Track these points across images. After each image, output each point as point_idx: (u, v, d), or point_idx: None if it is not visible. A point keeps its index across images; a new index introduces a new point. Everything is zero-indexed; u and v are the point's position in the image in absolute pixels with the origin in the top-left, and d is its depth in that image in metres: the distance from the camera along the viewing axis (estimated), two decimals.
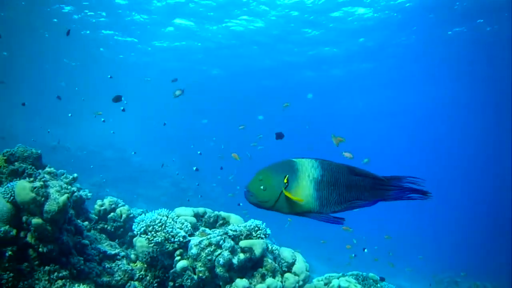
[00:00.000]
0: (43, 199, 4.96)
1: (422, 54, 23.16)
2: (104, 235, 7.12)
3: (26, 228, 5.01)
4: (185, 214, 6.05)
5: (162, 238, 5.30)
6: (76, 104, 25.74)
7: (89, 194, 6.89)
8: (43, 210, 4.95)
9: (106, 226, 7.34)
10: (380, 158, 32.25)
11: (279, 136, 8.91)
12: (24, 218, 4.97)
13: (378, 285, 6.48)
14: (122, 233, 7.47)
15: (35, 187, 4.93)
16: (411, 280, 18.91)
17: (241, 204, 10.90)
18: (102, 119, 13.89)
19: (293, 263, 5.59)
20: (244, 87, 33.75)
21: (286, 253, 5.71)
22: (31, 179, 5.16)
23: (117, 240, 7.25)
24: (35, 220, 4.91)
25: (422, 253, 20.49)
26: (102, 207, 7.42)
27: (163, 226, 5.36)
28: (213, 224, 6.22)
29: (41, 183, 5.02)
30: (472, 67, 24.45)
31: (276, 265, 5.45)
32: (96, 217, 7.31)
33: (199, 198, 22.71)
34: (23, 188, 4.89)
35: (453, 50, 21.91)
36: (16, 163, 6.21)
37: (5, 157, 6.15)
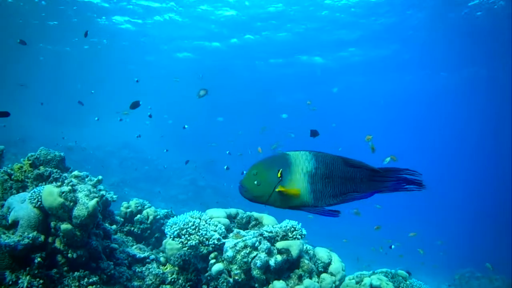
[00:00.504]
0: (71, 204, 4.84)
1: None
2: (130, 238, 7.02)
3: (55, 233, 4.90)
4: (217, 215, 5.88)
5: (197, 241, 5.15)
6: (91, 104, 25.71)
7: (114, 196, 6.75)
8: (72, 215, 4.83)
9: (132, 228, 7.22)
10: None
11: (314, 133, 8.71)
12: (52, 224, 4.86)
13: (408, 281, 6.31)
14: (149, 235, 7.35)
15: (63, 192, 4.80)
16: (432, 275, 18.68)
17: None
18: (119, 119, 13.78)
19: (329, 263, 5.47)
20: (265, 84, 33.47)
21: (322, 253, 5.58)
22: (58, 183, 5.04)
23: (143, 242, 7.12)
24: (64, 226, 4.79)
25: (437, 249, 20.27)
26: (128, 209, 7.31)
27: (197, 229, 5.21)
28: (245, 225, 6.06)
29: (69, 187, 4.88)
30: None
31: (313, 265, 5.30)
32: (122, 220, 7.20)
33: (222, 197, 22.59)
34: (50, 193, 4.76)
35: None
36: (41, 167, 6.09)
37: (30, 161, 6.02)
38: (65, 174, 6.13)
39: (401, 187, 2.39)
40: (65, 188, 4.84)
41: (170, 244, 5.83)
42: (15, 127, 32.63)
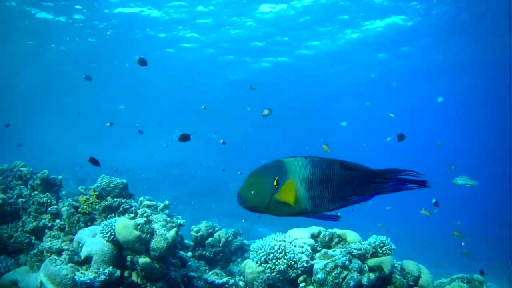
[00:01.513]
0: (148, 236, 4.61)
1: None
2: (202, 262, 6.79)
3: (130, 267, 4.68)
4: (301, 236, 5.53)
5: (285, 265, 4.81)
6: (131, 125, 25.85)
7: (183, 221, 6.46)
8: (149, 248, 4.60)
9: (204, 252, 7.01)
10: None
11: (401, 137, 8.31)
12: (129, 258, 4.63)
13: (484, 286, 5.93)
14: (221, 258, 7.07)
15: (138, 224, 4.56)
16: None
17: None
18: (167, 143, 13.70)
19: (419, 276, 5.14)
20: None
21: (412, 266, 5.24)
22: (132, 215, 4.78)
23: (219, 267, 6.86)
24: (143, 260, 4.54)
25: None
26: (199, 233, 7.09)
27: (283, 253, 4.86)
28: (328, 242, 5.69)
29: (145, 219, 4.65)
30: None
31: (404, 280, 4.95)
32: (193, 244, 6.97)
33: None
34: (125, 226, 4.51)
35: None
36: (108, 198, 5.86)
37: (96, 193, 5.78)
38: (135, 203, 5.91)
39: (402, 187, 2.34)
40: (140, 220, 4.60)
41: (250, 268, 5.53)
42: (66, 151, 33.33)
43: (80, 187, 7.40)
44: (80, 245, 4.75)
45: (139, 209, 5.39)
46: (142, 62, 7.41)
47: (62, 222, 5.74)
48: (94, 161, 6.67)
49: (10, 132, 21.70)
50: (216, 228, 7.25)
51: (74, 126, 45.84)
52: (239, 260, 7.51)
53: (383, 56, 24.00)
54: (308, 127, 39.84)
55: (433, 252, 15.62)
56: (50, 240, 5.47)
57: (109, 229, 4.65)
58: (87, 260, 4.59)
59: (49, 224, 6.35)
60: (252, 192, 2.36)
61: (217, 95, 32.50)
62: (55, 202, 6.93)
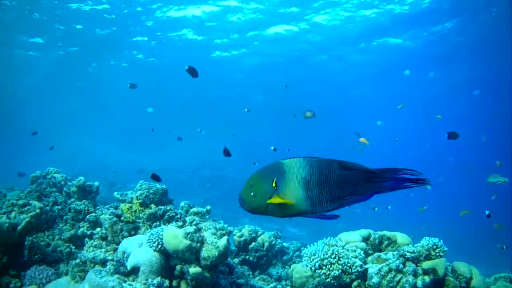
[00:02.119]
0: (198, 244, 4.42)
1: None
2: (246, 267, 6.58)
3: (179, 276, 4.48)
4: (353, 239, 5.31)
5: (339, 270, 4.58)
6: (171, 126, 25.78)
7: (225, 225, 6.27)
8: (200, 257, 4.40)
9: (247, 257, 6.81)
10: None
11: (453, 136, 7.93)
12: (178, 267, 4.44)
13: None
14: (264, 262, 6.86)
15: (188, 233, 4.37)
16: None
17: None
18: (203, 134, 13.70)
19: (471, 278, 4.95)
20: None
21: (463, 267, 5.05)
22: (179, 223, 4.56)
23: (266, 272, 6.66)
24: (193, 269, 4.34)
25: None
26: (242, 238, 6.89)
27: (337, 258, 4.64)
28: (378, 245, 5.46)
29: (194, 227, 4.47)
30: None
31: (457, 282, 4.80)
32: (236, 249, 6.78)
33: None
34: (174, 235, 4.31)
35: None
36: (152, 205, 5.65)
37: (139, 201, 5.58)
38: (180, 210, 5.68)
39: (400, 185, 2.34)
40: (190, 229, 4.42)
41: (298, 273, 5.34)
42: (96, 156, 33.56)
43: (115, 193, 7.24)
44: (126, 255, 4.59)
45: (185, 216, 5.19)
46: (192, 72, 6.80)
47: (104, 231, 5.57)
48: (155, 177, 6.47)
49: (42, 137, 21.84)
50: (259, 232, 7.07)
51: (103, 130, 46.46)
52: (279, 263, 7.35)
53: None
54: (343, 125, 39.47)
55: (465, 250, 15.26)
56: (92, 250, 5.32)
57: (156, 238, 4.48)
58: (134, 271, 4.43)
59: (88, 233, 6.20)
60: (252, 194, 2.39)
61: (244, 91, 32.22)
62: (93, 209, 6.78)
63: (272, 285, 5.76)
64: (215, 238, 4.48)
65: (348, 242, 5.23)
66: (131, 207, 5.51)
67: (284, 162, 2.39)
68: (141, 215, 5.44)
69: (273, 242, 7.00)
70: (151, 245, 4.44)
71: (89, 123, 43.94)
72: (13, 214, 5.67)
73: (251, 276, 6.26)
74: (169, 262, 4.51)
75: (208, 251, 4.36)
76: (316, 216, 2.38)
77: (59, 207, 7.08)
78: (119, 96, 33.19)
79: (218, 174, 27.98)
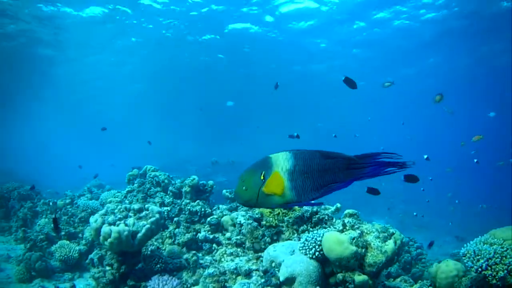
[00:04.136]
0: (363, 250, 4.05)
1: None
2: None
3: (339, 284, 4.14)
4: (507, 236, 4.97)
5: (505, 271, 4.24)
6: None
7: (388, 226, 5.98)
8: (364, 263, 4.08)
9: None
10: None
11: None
12: (339, 276, 4.10)
13: None
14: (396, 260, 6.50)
15: (353, 238, 4.02)
16: None
17: None
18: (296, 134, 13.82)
19: None
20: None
21: None
22: (338, 227, 4.23)
23: (408, 274, 6.32)
24: (359, 278, 4.02)
25: None
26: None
27: (500, 257, 4.29)
28: None
29: (358, 231, 4.13)
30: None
31: None
32: None
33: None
34: (338, 241, 3.98)
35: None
36: (295, 207, 5.31)
37: None
38: (326, 212, 5.31)
39: (380, 171, 2.45)
40: (354, 233, 4.10)
41: (444, 273, 4.97)
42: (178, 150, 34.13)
43: (224, 190, 6.97)
44: (274, 264, 4.29)
45: (340, 219, 4.84)
46: (350, 83, 6.56)
47: (238, 237, 5.29)
48: (373, 191, 6.24)
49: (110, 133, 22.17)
50: (390, 230, 6.71)
51: (178, 124, 47.54)
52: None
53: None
54: None
55: None
56: (231, 259, 5.03)
57: (313, 244, 4.17)
58: (288, 282, 4.10)
59: (211, 237, 5.93)
60: (244, 188, 2.53)
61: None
62: (210, 210, 6.53)
63: (418, 285, 5.44)
64: (379, 241, 4.15)
65: (506, 240, 4.92)
66: (273, 210, 5.22)
67: (271, 156, 2.55)
68: (285, 218, 5.12)
69: (405, 240, 6.63)
70: (307, 252, 4.13)
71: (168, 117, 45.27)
72: (130, 220, 5.52)
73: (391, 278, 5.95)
74: (324, 270, 4.20)
75: (374, 257, 4.03)
76: (302, 204, 2.56)
77: (168, 208, 6.88)
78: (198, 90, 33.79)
79: None
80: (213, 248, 5.84)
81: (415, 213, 15.54)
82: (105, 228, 5.35)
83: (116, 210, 6.00)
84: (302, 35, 21.78)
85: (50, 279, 7.33)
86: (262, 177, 2.50)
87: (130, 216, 5.76)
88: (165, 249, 6.39)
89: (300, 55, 25.34)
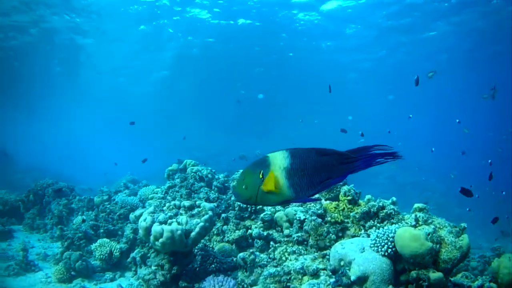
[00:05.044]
0: (438, 246, 4.02)
1: None
2: None
3: (410, 282, 4.08)
4: None
5: None
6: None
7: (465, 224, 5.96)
8: (439, 260, 4.03)
9: None
10: None
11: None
12: (413, 274, 4.02)
13: None
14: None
15: (428, 234, 3.97)
16: None
17: None
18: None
19: None
20: None
21: None
22: (411, 222, 4.20)
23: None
24: (435, 275, 3.94)
25: None
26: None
27: None
28: None
29: (433, 227, 4.09)
30: None
31: None
32: None
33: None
34: (413, 237, 3.92)
35: None
36: (361, 202, 5.27)
37: (348, 197, 5.21)
38: (392, 207, 5.24)
39: (373, 162, 2.55)
40: (429, 229, 4.05)
41: (507, 268, 4.90)
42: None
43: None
44: (343, 263, 4.23)
45: (409, 214, 4.80)
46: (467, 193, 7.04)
47: (300, 234, 5.24)
48: (466, 193, 6.34)
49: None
50: (462, 225, 6.71)
51: (209, 117, 48.00)
52: None
53: None
54: None
55: None
56: (295, 258, 4.99)
57: (385, 241, 4.13)
58: (359, 281, 4.06)
59: (265, 234, 5.90)
60: (243, 186, 2.63)
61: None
62: (260, 206, 6.52)
63: (479, 282, 5.38)
64: (452, 237, 4.10)
65: None
66: (337, 205, 5.17)
67: (269, 155, 2.65)
68: (351, 214, 5.07)
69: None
70: (379, 249, 4.09)
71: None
72: (183, 218, 5.47)
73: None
74: (395, 268, 4.17)
75: (449, 253, 3.99)
76: (300, 200, 2.68)
77: (214, 204, 6.88)
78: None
79: None
80: (271, 245, 5.77)
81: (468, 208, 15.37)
82: (157, 228, 5.29)
83: (165, 208, 5.98)
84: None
85: (91, 279, 7.34)
86: (261, 176, 2.59)
87: (181, 214, 5.72)
88: (214, 248, 6.32)
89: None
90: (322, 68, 29.19)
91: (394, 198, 5.51)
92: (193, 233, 5.34)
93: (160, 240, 5.24)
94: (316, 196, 2.96)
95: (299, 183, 2.59)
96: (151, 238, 5.38)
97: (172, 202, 6.00)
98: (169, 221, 5.47)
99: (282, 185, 2.58)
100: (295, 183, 2.59)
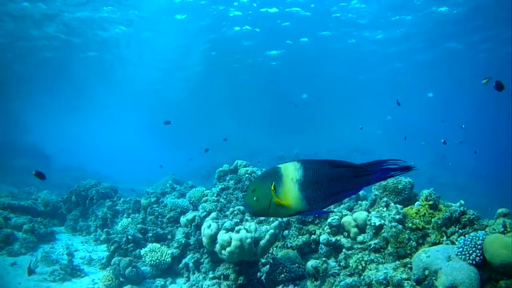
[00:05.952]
0: None
1: None
2: None
3: None
4: None
5: None
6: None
7: None
8: None
9: None
10: None
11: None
12: (502, 283, 3.97)
13: None
14: None
15: None
16: None
17: None
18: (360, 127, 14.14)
19: None
20: None
21: None
22: (499, 229, 4.20)
23: None
24: None
25: None
26: None
27: None
28: None
29: None
30: None
31: None
32: None
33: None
34: (506, 245, 3.88)
35: None
36: (441, 206, 5.21)
37: (429, 202, 5.17)
38: (459, 209, 5.21)
39: (387, 175, 2.62)
40: None
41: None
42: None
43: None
44: (428, 272, 4.21)
45: (490, 220, 4.78)
46: (500, 87, 7.16)
47: (377, 241, 5.25)
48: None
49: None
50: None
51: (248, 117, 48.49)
52: None
53: None
54: None
55: None
56: (375, 267, 4.97)
57: (473, 248, 4.07)
58: None
59: (333, 240, 5.89)
60: (254, 198, 2.69)
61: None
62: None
63: None
64: None
65: None
66: (419, 210, 5.16)
67: (280, 167, 2.70)
68: (433, 220, 5.05)
69: None
70: (467, 257, 4.07)
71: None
72: (251, 225, 5.43)
73: None
74: (481, 277, 4.17)
75: None
76: (313, 213, 2.72)
77: None
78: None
79: (367, 158, 28.39)
80: (343, 253, 5.62)
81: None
82: (224, 236, 5.23)
83: (228, 213, 5.98)
84: None
85: (140, 285, 7.31)
86: (272, 188, 2.63)
87: (246, 220, 5.71)
88: (277, 255, 6.18)
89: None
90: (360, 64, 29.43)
91: (462, 201, 5.48)
92: (262, 241, 5.27)
93: (228, 249, 5.18)
94: (330, 208, 3.01)
95: (313, 195, 2.64)
96: (217, 246, 5.33)
97: (236, 207, 6.00)
98: (236, 228, 5.43)
99: (295, 198, 2.63)
100: (309, 196, 2.64)
